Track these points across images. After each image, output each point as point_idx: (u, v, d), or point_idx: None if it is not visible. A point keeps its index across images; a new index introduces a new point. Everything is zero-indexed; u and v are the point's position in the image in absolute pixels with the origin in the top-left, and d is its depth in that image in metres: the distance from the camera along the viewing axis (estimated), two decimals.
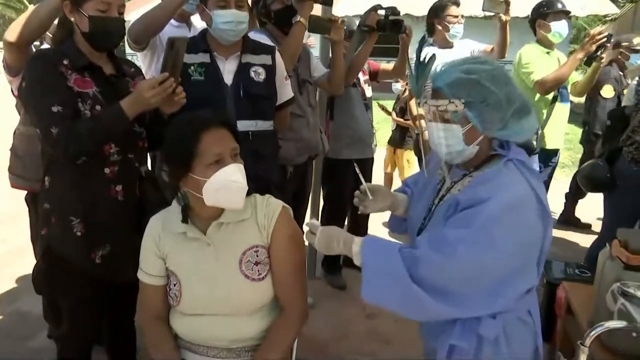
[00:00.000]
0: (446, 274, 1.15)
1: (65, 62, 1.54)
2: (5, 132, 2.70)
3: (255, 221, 1.38)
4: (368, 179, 3.30)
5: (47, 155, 1.63)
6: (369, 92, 3.24)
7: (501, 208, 1.14)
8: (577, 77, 3.39)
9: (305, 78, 2.58)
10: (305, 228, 1.36)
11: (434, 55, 1.29)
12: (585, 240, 3.99)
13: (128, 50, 2.26)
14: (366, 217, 3.40)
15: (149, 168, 1.80)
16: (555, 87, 3.11)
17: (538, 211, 1.18)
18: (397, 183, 5.26)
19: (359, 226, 3.41)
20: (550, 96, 3.19)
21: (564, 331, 2.06)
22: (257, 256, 1.36)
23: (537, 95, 3.19)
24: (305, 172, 2.78)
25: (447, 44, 3.21)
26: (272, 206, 1.41)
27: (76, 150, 1.50)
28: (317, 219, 3.29)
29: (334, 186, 3.20)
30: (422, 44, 1.38)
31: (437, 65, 1.30)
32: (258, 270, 1.35)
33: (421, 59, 1.31)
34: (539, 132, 3.19)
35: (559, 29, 3.15)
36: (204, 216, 1.36)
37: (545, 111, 3.22)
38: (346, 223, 3.45)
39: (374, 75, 3.33)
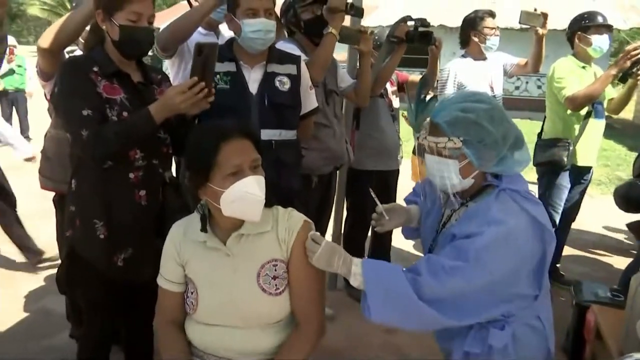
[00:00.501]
0: (444, 295, 1.24)
1: (95, 68, 1.57)
2: (39, 135, 2.77)
3: (275, 234, 1.36)
4: (393, 191, 3.27)
5: (75, 158, 1.66)
6: (396, 103, 3.21)
7: (493, 240, 1.22)
8: (613, 93, 3.26)
9: (332, 88, 2.57)
10: (309, 242, 1.34)
11: (435, 96, 1.34)
12: (619, 262, 3.85)
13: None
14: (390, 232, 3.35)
15: (173, 174, 1.81)
16: (586, 104, 3.00)
17: (535, 233, 1.26)
18: None
19: (383, 237, 3.37)
20: (583, 112, 3.08)
21: (593, 356, 1.98)
22: (276, 270, 1.34)
23: (569, 110, 3.09)
24: (329, 183, 2.76)
25: (481, 56, 3.17)
26: (294, 220, 1.39)
27: (103, 153, 1.53)
28: (340, 229, 3.28)
29: (358, 197, 3.16)
30: (422, 83, 1.58)
31: (438, 101, 1.37)
32: (276, 285, 1.33)
33: (422, 96, 1.39)
34: (571, 148, 3.08)
35: (600, 43, 3.05)
36: (224, 226, 1.35)
37: (577, 127, 3.11)
38: (369, 234, 3.41)
39: (402, 87, 3.30)
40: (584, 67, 3.12)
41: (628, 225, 2.81)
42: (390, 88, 3.14)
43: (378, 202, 1.58)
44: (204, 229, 1.34)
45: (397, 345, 2.63)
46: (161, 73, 1.79)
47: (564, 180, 3.18)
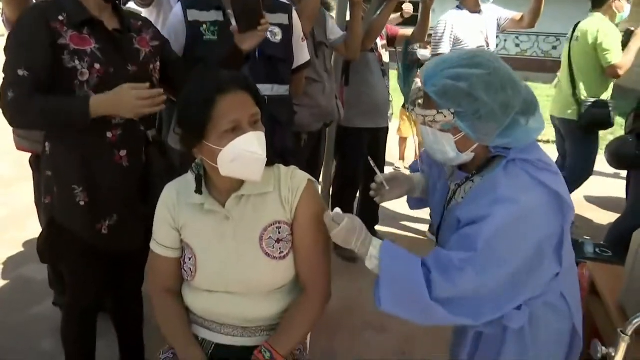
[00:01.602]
0: (458, 295, 1.12)
1: (61, 17, 1.41)
2: None
3: (278, 195, 1.27)
4: (383, 149, 3.21)
5: None
6: (386, 57, 3.11)
7: (503, 223, 1.08)
8: None
9: (321, 40, 2.46)
10: (327, 216, 1.24)
11: (419, 62, 1.19)
12: (600, 218, 3.91)
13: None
14: None
15: (156, 132, 1.69)
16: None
17: (552, 206, 1.12)
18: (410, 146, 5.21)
19: (372, 201, 3.33)
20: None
21: (587, 313, 2.00)
22: (279, 233, 1.26)
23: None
24: (319, 140, 2.69)
25: (477, 9, 3.10)
26: (297, 179, 1.29)
27: (20, 123, 1.48)
28: (329, 188, 3.21)
29: (347, 156, 3.10)
30: (406, 46, 1.37)
31: (429, 63, 1.19)
32: (280, 248, 1.26)
33: (409, 60, 1.26)
34: (612, 108, 3.22)
35: (626, 12, 3.20)
36: (222, 187, 1.26)
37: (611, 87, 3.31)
38: (358, 195, 3.36)
39: (392, 41, 3.19)
40: (617, 25, 3.26)
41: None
42: (380, 42, 3.03)
43: (378, 172, 1.47)
44: (199, 191, 1.24)
45: None
46: (142, 19, 1.63)
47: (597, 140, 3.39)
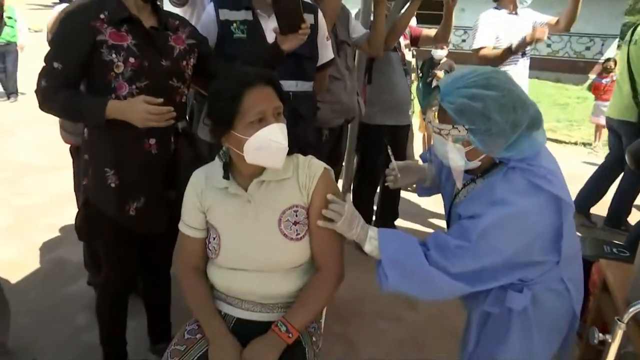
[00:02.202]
0: (453, 272, 1.23)
1: (102, 16, 1.55)
2: (31, 89, 2.77)
3: (296, 181, 1.38)
4: (404, 146, 3.28)
5: None
6: (409, 56, 3.17)
7: (496, 221, 1.19)
8: None
9: (343, 39, 2.53)
10: (333, 206, 1.34)
11: (434, 61, 1.27)
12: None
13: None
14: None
15: (187, 124, 1.81)
16: None
17: (550, 207, 1.21)
18: None
19: (392, 193, 3.40)
20: None
21: (597, 309, 2.04)
22: (297, 216, 1.36)
23: None
24: (340, 136, 2.77)
25: (514, 10, 3.14)
26: (314, 167, 1.40)
27: (47, 110, 1.60)
28: (350, 183, 3.30)
29: (368, 152, 3.17)
30: (429, 64, 1.44)
31: (446, 78, 1.29)
32: (297, 230, 1.36)
33: (428, 80, 1.33)
34: None
35: None
36: (245, 173, 1.37)
37: None
38: (378, 190, 3.43)
39: (415, 40, 3.25)
40: None
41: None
42: (403, 42, 3.09)
43: (393, 159, 1.58)
44: (226, 176, 1.35)
45: (407, 298, 2.67)
46: (179, 19, 1.76)
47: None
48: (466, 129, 1.21)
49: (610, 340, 1.22)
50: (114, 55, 1.54)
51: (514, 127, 1.20)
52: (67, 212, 3.45)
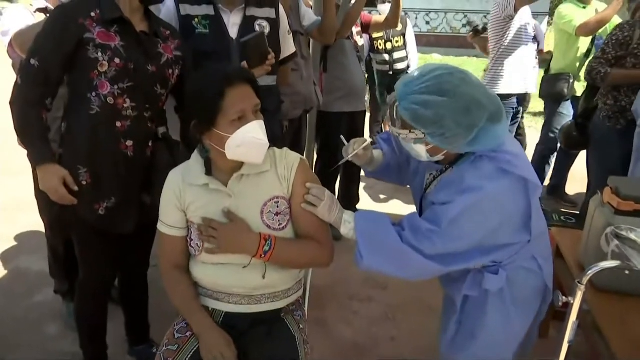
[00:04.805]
0: (426, 253, 1.28)
1: (93, 13, 1.54)
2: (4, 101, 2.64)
3: (275, 173, 1.42)
4: (361, 131, 3.35)
5: (64, 100, 1.65)
6: (361, 43, 3.23)
7: (465, 208, 1.24)
8: None
9: (296, 29, 2.54)
10: (313, 191, 1.40)
11: (395, 102, 1.30)
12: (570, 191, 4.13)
13: None
14: (358, 172, 3.46)
15: (167, 130, 1.80)
16: (598, 29, 3.35)
17: (517, 189, 1.27)
18: None
19: (352, 180, 3.49)
20: (584, 49, 3.53)
21: (554, 273, 2.20)
22: (278, 207, 1.40)
23: (572, 48, 3.56)
24: (300, 126, 2.80)
25: None
26: (291, 157, 1.45)
27: (11, 110, 1.58)
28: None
29: (328, 140, 3.22)
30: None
31: (402, 80, 1.30)
32: (279, 221, 1.40)
33: (387, 101, 1.39)
34: (571, 81, 3.56)
35: None
36: (224, 169, 1.39)
37: (578, 64, 3.57)
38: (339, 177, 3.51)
39: (365, 27, 3.31)
40: (584, 7, 3.52)
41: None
42: (355, 29, 3.15)
43: (346, 142, 1.62)
44: (209, 172, 1.37)
45: (378, 280, 2.80)
46: (171, 29, 1.75)
47: (564, 109, 3.68)
48: (423, 133, 1.26)
49: (572, 302, 1.35)
50: (99, 54, 1.54)
51: (470, 128, 1.23)
52: (21, 220, 3.30)
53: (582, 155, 3.24)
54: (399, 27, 4.10)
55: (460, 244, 1.28)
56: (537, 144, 3.99)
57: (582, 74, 3.43)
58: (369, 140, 1.57)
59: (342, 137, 1.68)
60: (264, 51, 1.82)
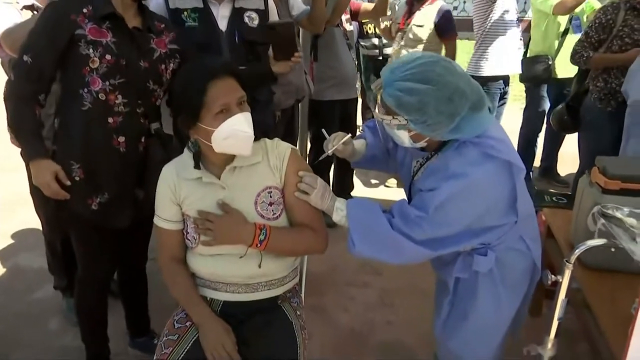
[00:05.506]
0: (416, 239, 1.31)
1: (85, 10, 1.55)
2: None
3: (267, 164, 1.44)
4: (354, 119, 3.37)
5: (57, 96, 1.66)
6: (350, 29, 3.24)
7: (452, 194, 1.26)
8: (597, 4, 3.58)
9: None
10: (306, 179, 1.42)
11: (380, 87, 1.31)
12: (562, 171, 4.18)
13: None
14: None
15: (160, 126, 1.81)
16: (575, 6, 3.33)
17: (502, 172, 1.29)
18: None
19: (345, 169, 3.51)
20: (562, 29, 3.51)
21: (545, 254, 2.24)
22: (271, 197, 1.43)
23: (550, 28, 3.53)
24: (292, 116, 2.82)
25: None
26: (282, 148, 1.47)
27: (5, 106, 1.61)
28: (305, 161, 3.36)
29: (320, 128, 3.21)
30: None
31: (388, 66, 1.32)
32: (272, 210, 1.43)
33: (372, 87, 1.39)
34: (550, 63, 3.53)
35: None
36: (216, 162, 1.41)
37: (556, 43, 3.55)
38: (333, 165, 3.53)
39: (355, 15, 3.31)
40: None
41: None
42: (344, 17, 3.14)
43: (327, 136, 1.64)
44: (197, 166, 1.39)
45: (374, 266, 2.85)
46: (165, 22, 1.74)
47: (545, 91, 3.69)
48: (405, 119, 1.27)
49: (561, 280, 1.39)
50: (90, 50, 1.54)
51: (452, 116, 1.25)
52: (18, 217, 3.32)
53: (573, 136, 3.27)
54: (388, 12, 4.09)
55: (448, 229, 1.31)
56: (520, 128, 3.97)
57: (561, 54, 3.47)
58: (349, 135, 1.57)
59: (323, 130, 1.69)
60: (292, 43, 1.79)
